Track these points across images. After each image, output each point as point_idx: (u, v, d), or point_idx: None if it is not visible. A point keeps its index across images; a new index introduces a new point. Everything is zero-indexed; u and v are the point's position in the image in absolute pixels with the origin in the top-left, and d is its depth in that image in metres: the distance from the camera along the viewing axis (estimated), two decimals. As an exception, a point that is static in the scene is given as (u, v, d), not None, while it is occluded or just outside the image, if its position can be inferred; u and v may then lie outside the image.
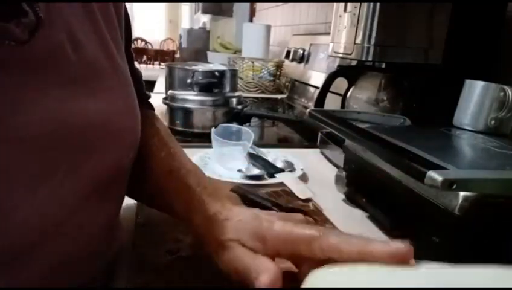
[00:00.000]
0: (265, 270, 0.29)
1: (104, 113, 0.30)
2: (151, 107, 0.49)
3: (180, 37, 4.04)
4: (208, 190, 0.38)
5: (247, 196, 0.57)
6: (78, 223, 0.29)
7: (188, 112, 0.96)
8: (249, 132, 0.75)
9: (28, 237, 0.25)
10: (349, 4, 0.72)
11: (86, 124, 0.28)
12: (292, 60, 1.61)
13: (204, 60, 2.34)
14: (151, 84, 2.03)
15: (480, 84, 0.58)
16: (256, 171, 0.68)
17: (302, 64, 1.54)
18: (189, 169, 0.40)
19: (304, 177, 0.70)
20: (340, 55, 0.77)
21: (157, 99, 1.00)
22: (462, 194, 0.38)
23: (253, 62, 1.70)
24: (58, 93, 0.26)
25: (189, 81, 0.96)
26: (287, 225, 0.31)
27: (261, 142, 0.95)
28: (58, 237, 0.27)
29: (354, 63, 0.89)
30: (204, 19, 4.18)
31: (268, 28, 1.89)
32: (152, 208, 0.46)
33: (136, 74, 0.46)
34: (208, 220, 0.35)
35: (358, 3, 0.69)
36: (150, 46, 6.25)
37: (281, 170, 0.69)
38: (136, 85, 0.42)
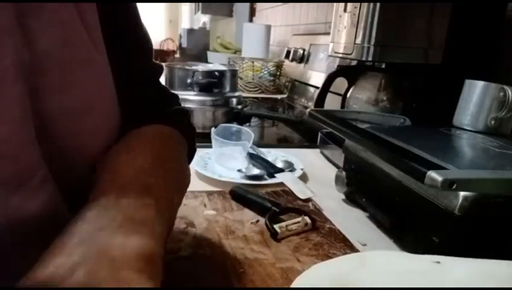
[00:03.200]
0: None
1: (64, 110, 0.28)
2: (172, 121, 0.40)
3: (180, 37, 4.04)
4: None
5: (247, 196, 0.57)
6: (47, 230, 0.28)
7: (188, 112, 0.96)
8: (249, 132, 0.75)
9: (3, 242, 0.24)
10: (349, 4, 0.72)
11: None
12: (292, 60, 1.61)
13: (204, 60, 2.34)
14: (151, 84, 2.03)
15: (480, 84, 0.58)
16: (256, 171, 0.68)
17: (302, 64, 1.54)
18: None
19: (303, 177, 0.70)
20: (340, 55, 0.77)
21: (157, 99, 1.01)
22: (462, 194, 0.38)
23: (253, 62, 1.70)
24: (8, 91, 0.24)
25: (189, 81, 0.96)
26: None
27: (261, 142, 0.96)
28: (35, 243, 0.26)
29: (354, 63, 0.89)
30: (204, 19, 4.18)
31: (268, 28, 1.89)
32: None
33: (157, 69, 0.43)
34: None
35: (358, 3, 0.69)
36: (150, 46, 6.24)
37: (281, 170, 0.69)
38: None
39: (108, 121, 0.33)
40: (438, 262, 0.24)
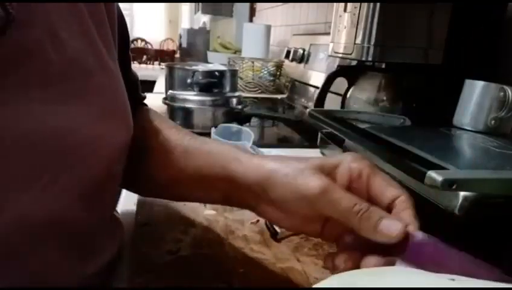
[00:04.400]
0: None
1: (88, 114, 0.29)
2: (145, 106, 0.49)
3: (180, 37, 4.04)
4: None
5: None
6: (62, 231, 0.28)
7: (188, 112, 0.96)
8: (249, 132, 0.75)
9: (10, 241, 0.24)
10: (349, 4, 0.72)
11: (64, 129, 0.27)
12: (292, 60, 1.60)
13: (204, 60, 2.34)
14: (151, 84, 2.03)
15: (480, 84, 0.58)
16: (256, 171, 0.68)
17: (302, 64, 1.54)
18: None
19: (304, 177, 0.70)
20: (340, 55, 0.77)
21: (157, 99, 1.01)
22: (462, 194, 0.38)
23: (253, 62, 1.70)
24: (35, 95, 0.25)
25: (189, 81, 0.96)
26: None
27: (261, 142, 0.95)
28: (42, 242, 0.26)
29: (354, 63, 0.89)
30: (204, 19, 4.18)
31: (268, 28, 1.89)
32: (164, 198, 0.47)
33: (132, 77, 0.45)
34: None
35: (358, 3, 0.69)
36: (150, 46, 6.24)
37: (281, 170, 0.69)
38: (132, 88, 0.41)
39: (122, 125, 0.34)
40: (453, 280, 0.25)
